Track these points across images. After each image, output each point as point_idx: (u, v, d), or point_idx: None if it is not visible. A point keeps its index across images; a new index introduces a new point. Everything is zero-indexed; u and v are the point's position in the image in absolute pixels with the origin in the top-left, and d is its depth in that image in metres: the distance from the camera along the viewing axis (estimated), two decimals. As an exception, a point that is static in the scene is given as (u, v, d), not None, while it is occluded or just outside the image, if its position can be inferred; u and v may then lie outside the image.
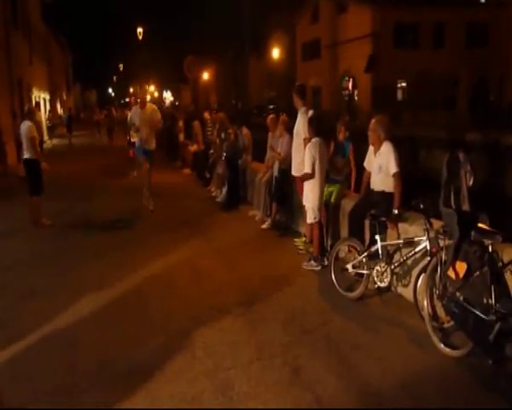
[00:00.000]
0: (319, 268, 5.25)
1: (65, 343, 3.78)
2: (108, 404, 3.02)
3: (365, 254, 4.53)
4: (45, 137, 21.36)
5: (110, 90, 72.36)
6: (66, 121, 24.88)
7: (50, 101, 29.41)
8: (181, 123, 14.46)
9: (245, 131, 8.79)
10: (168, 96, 60.44)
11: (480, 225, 3.51)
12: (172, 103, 54.01)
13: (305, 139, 5.61)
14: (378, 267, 4.40)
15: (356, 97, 30.66)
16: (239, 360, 3.47)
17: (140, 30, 33.04)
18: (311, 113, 5.83)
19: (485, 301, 3.22)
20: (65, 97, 39.40)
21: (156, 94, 57.20)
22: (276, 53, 35.54)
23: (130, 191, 9.71)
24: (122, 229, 7.19)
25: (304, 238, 6.02)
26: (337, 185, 5.72)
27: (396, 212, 4.56)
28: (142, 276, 5.18)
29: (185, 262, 5.61)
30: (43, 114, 24.55)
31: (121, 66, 55.61)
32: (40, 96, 24.88)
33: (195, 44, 38.56)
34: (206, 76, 42.03)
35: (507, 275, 3.38)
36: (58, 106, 34.21)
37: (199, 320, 4.09)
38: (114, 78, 65.81)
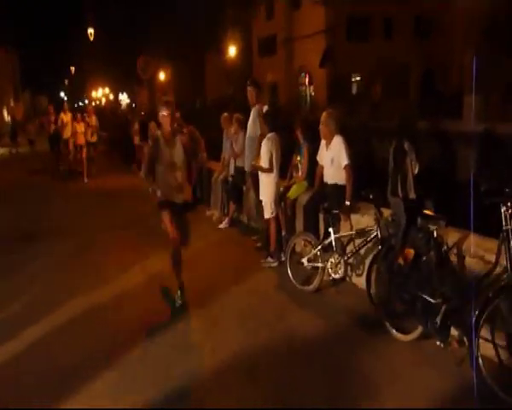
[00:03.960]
0: (277, 264, 5.27)
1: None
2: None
3: (319, 247, 4.58)
4: None
5: (62, 94, 70.00)
6: (10, 130, 23.42)
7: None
8: (136, 125, 14.14)
9: (194, 130, 8.74)
10: (124, 98, 59.09)
11: (426, 211, 3.62)
12: (129, 106, 52.87)
13: (261, 136, 5.60)
14: (332, 259, 4.46)
15: (312, 93, 31.06)
16: (195, 361, 3.44)
17: (91, 31, 32.11)
18: (265, 108, 5.83)
19: (431, 284, 3.34)
20: (12, 104, 37.80)
21: (112, 97, 55.82)
22: (232, 49, 35.44)
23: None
24: (70, 233, 6.95)
25: (262, 235, 6.03)
26: (296, 181, 5.73)
27: (348, 203, 4.64)
28: (93, 282, 5.02)
29: (140, 266, 5.49)
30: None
31: (73, 68, 53.90)
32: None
33: (151, 44, 37.86)
34: (162, 76, 41.37)
35: (452, 258, 3.51)
36: (5, 113, 32.82)
37: (153, 324, 4.01)
38: (66, 81, 63.69)
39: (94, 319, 4.24)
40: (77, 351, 3.66)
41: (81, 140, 12.72)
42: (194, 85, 39.77)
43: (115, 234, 6.96)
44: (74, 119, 12.94)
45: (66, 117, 12.97)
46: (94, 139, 13.48)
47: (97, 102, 46.63)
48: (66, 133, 12.81)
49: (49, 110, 13.88)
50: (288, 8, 31.54)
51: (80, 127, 12.79)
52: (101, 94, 51.82)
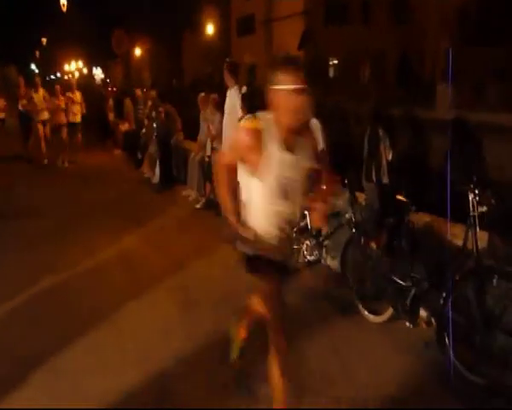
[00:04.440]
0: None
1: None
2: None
3: (295, 229, 4.63)
4: None
5: (33, 67, 67.41)
6: None
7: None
8: (111, 101, 13.83)
9: (171, 109, 8.65)
10: (98, 72, 57.45)
11: (398, 196, 3.72)
12: (103, 80, 51.46)
13: (241, 118, 5.56)
14: (307, 242, 4.54)
15: (290, 74, 30.99)
16: (171, 345, 3.45)
17: (64, 1, 30.83)
18: (244, 89, 5.78)
19: (402, 267, 3.45)
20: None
21: (85, 71, 54.17)
22: (210, 28, 34.83)
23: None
24: (43, 217, 6.79)
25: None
26: None
27: (324, 187, 4.69)
28: (67, 266, 4.92)
29: (115, 249, 5.42)
30: None
31: (44, 40, 51.90)
32: None
33: (127, 18, 36.76)
34: (138, 52, 40.38)
35: (422, 242, 3.63)
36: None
37: (128, 309, 3.99)
38: (37, 53, 61.31)
39: (59, 301, 4.18)
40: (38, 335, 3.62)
41: (61, 119, 10.73)
42: (171, 64, 39.00)
43: (89, 216, 6.85)
44: (53, 93, 10.74)
45: (37, 96, 10.46)
46: (77, 119, 11.02)
47: (70, 76, 45.12)
48: (39, 115, 10.52)
49: (19, 83, 11.34)
50: (267, -12, 31.13)
51: (61, 103, 10.69)
52: (74, 68, 50.20)
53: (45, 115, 10.60)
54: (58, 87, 10.91)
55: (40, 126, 10.56)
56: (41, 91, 10.56)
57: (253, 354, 2.90)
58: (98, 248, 5.42)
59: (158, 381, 3.05)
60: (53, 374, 3.13)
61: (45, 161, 10.79)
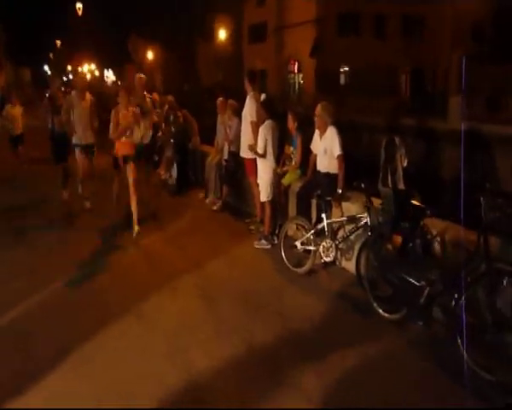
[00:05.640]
0: (269, 247, 5.52)
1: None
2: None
3: (312, 231, 4.84)
4: None
5: (46, 68, 68.30)
6: None
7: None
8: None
9: (188, 113, 8.92)
10: (110, 75, 58.06)
11: (413, 201, 3.90)
12: (115, 83, 52.02)
13: (251, 122, 5.79)
14: (324, 243, 4.72)
15: (301, 81, 31.24)
16: (197, 338, 3.64)
17: (79, 5, 31.44)
18: (263, 96, 5.99)
19: (417, 268, 3.63)
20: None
21: (97, 73, 54.77)
22: (223, 35, 35.19)
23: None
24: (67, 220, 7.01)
25: (255, 218, 6.26)
26: (290, 169, 5.96)
27: (340, 191, 4.89)
28: (93, 264, 5.14)
29: (137, 249, 5.60)
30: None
31: (59, 42, 52.68)
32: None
33: (140, 24, 37.27)
34: (151, 56, 40.84)
35: (435, 245, 3.81)
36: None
37: (156, 305, 4.20)
38: (51, 55, 62.21)
39: (88, 297, 4.40)
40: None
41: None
42: (183, 70, 39.37)
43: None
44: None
45: (81, 110, 6.98)
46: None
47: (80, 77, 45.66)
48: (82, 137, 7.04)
49: (53, 89, 8.92)
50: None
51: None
52: (86, 70, 50.77)
53: (90, 138, 7.16)
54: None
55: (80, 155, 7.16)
56: (87, 101, 7.05)
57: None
58: (119, 247, 5.63)
59: (188, 373, 3.24)
60: (91, 364, 3.35)
61: (87, 205, 7.32)
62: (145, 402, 2.95)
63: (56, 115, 7.17)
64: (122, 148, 6.01)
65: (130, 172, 5.98)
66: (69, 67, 51.06)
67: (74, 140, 7.08)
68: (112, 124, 5.95)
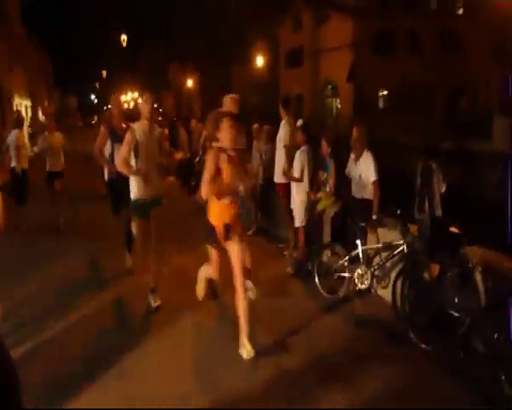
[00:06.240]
0: (303, 272, 5.47)
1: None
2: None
3: (347, 258, 4.77)
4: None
5: (93, 97, 71.93)
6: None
7: (32, 108, 29.13)
8: (166, 130, 14.58)
9: None
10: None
11: (452, 229, 3.80)
12: (155, 110, 53.86)
13: (284, 146, 5.84)
14: (359, 270, 4.65)
15: (338, 105, 31.22)
16: (228, 358, 3.67)
17: (124, 37, 33.11)
18: (300, 122, 6.05)
19: (455, 299, 3.50)
20: (46, 104, 38.99)
21: (140, 100, 57.00)
22: (259, 60, 35.92)
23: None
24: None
25: (288, 243, 6.25)
26: (324, 194, 5.92)
27: (375, 217, 4.82)
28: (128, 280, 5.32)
29: (173, 270, 5.68)
30: (26, 122, 24.00)
31: (104, 72, 55.49)
32: (22, 104, 24.62)
33: (178, 51, 38.71)
34: (189, 83, 42.19)
35: (475, 275, 3.66)
36: (39, 113, 33.85)
37: (190, 325, 4.29)
38: (97, 84, 65.56)
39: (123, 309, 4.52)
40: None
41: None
42: (220, 96, 40.36)
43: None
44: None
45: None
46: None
47: (126, 106, 47.76)
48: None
49: (115, 119, 5.88)
50: (315, 21, 31.88)
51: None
52: (130, 98, 53.00)
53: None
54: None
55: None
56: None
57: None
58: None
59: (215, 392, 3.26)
60: (120, 376, 3.45)
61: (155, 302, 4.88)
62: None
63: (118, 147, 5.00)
64: (224, 213, 3.71)
65: (236, 251, 3.83)
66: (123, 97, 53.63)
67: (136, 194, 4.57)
68: (207, 173, 3.56)
